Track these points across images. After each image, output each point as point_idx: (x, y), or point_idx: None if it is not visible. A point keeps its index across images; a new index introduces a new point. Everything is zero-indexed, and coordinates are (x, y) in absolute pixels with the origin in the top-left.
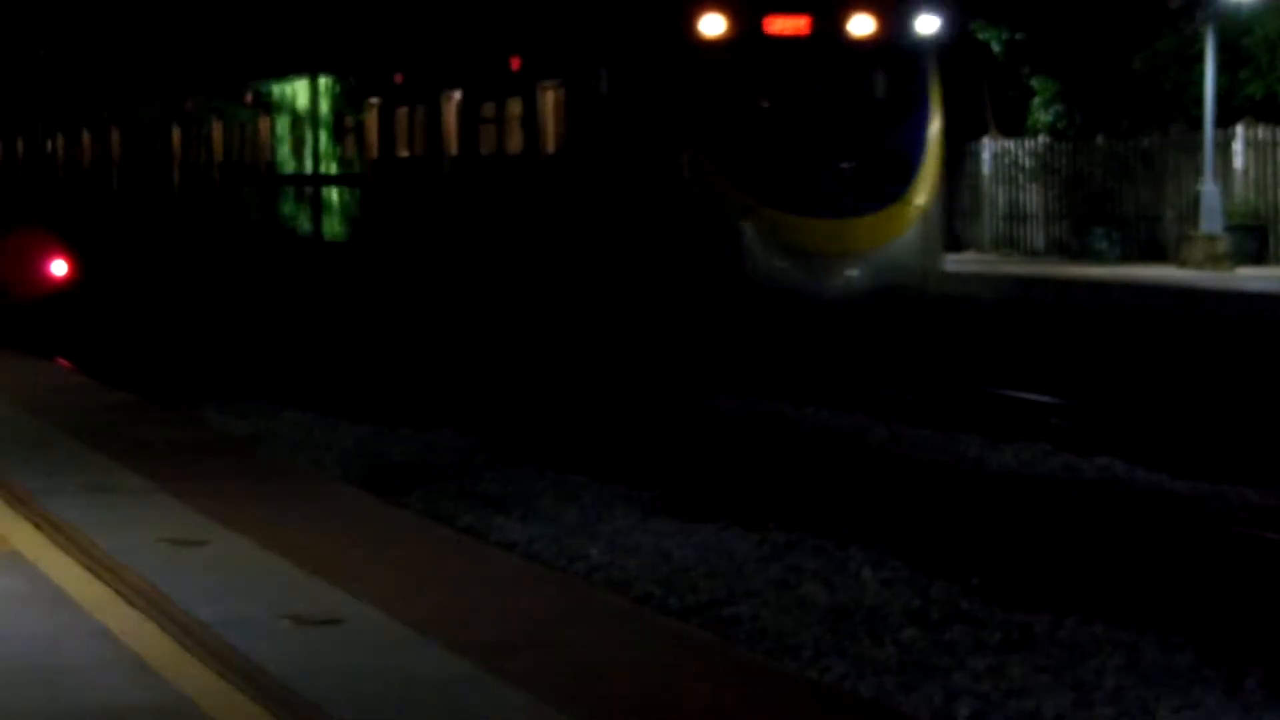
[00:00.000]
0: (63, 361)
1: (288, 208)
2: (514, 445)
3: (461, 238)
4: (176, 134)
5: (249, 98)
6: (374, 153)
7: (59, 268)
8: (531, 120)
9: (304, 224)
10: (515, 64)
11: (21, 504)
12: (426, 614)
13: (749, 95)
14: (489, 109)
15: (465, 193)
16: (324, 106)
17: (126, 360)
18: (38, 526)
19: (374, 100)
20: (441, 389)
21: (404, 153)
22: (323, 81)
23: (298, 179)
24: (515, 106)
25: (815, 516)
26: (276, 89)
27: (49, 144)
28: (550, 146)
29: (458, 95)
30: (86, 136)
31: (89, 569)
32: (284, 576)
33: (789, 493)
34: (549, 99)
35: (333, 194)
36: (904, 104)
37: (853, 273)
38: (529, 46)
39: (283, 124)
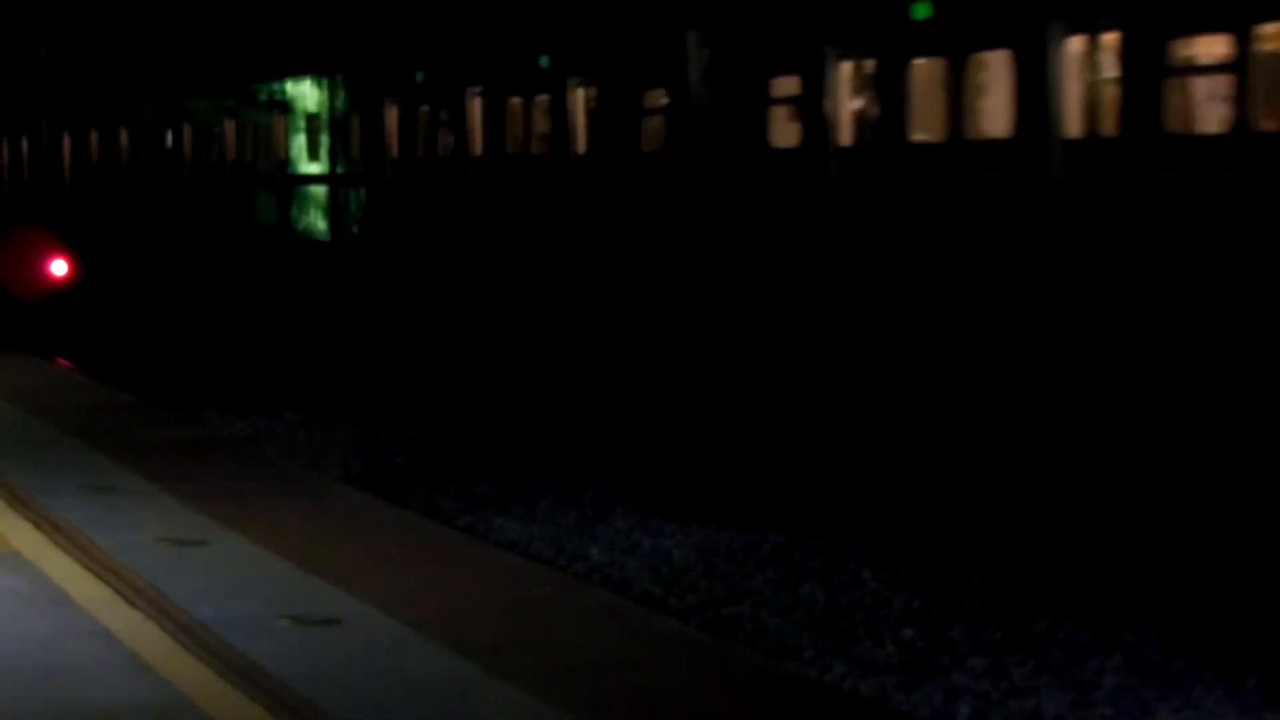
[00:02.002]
0: (63, 361)
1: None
2: (513, 445)
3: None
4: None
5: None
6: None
7: (59, 268)
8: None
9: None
10: None
11: (21, 504)
12: (426, 614)
13: None
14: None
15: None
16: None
17: (127, 360)
18: (38, 526)
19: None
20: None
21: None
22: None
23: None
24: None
25: None
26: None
27: (51, 144)
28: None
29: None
30: (94, 136)
31: (89, 569)
32: (284, 576)
33: None
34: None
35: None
36: None
37: None
38: None
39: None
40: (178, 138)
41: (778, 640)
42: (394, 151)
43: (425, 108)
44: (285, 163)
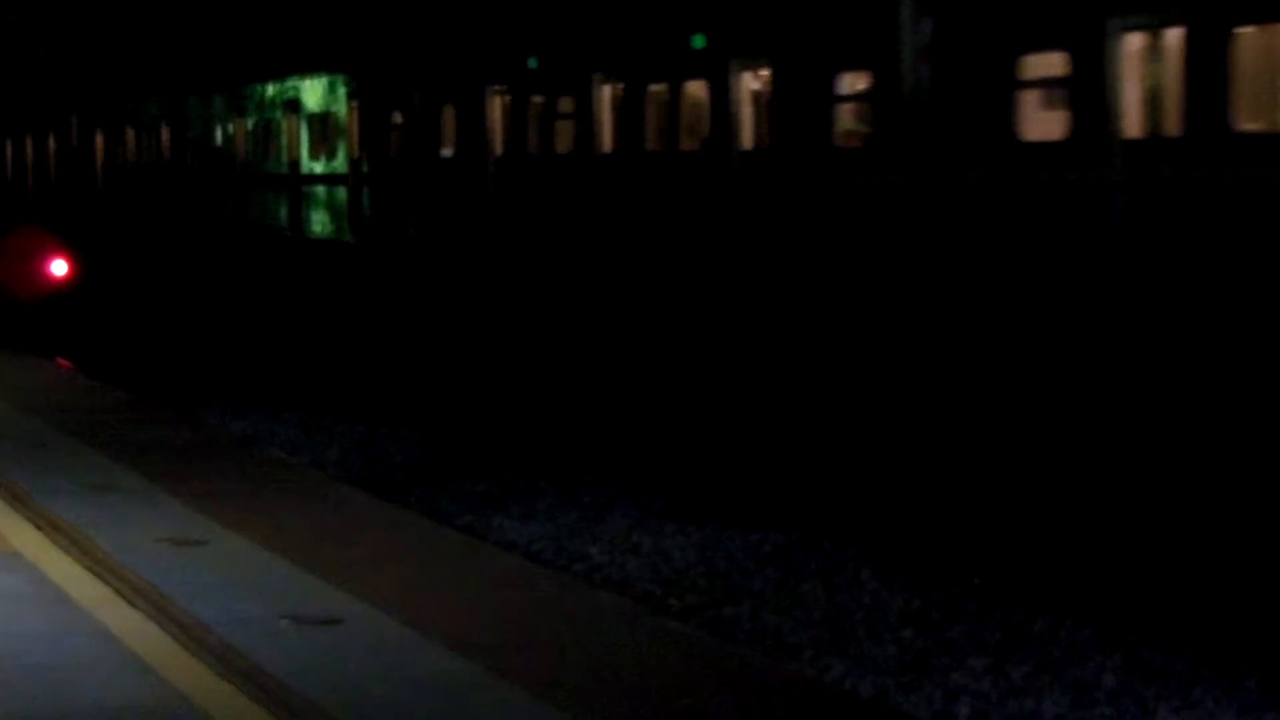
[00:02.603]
0: (63, 361)
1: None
2: (513, 445)
3: None
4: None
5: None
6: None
7: (59, 268)
8: None
9: None
10: None
11: (21, 504)
12: (426, 614)
13: None
14: None
15: None
16: None
17: (126, 360)
18: (38, 526)
19: None
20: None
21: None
22: None
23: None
24: None
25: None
26: None
27: (82, 141)
28: None
29: None
30: (131, 133)
31: (89, 569)
32: (284, 576)
33: None
34: None
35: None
36: None
37: None
38: None
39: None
40: (228, 135)
41: (778, 640)
42: (497, 148)
43: (539, 98)
44: (356, 161)
